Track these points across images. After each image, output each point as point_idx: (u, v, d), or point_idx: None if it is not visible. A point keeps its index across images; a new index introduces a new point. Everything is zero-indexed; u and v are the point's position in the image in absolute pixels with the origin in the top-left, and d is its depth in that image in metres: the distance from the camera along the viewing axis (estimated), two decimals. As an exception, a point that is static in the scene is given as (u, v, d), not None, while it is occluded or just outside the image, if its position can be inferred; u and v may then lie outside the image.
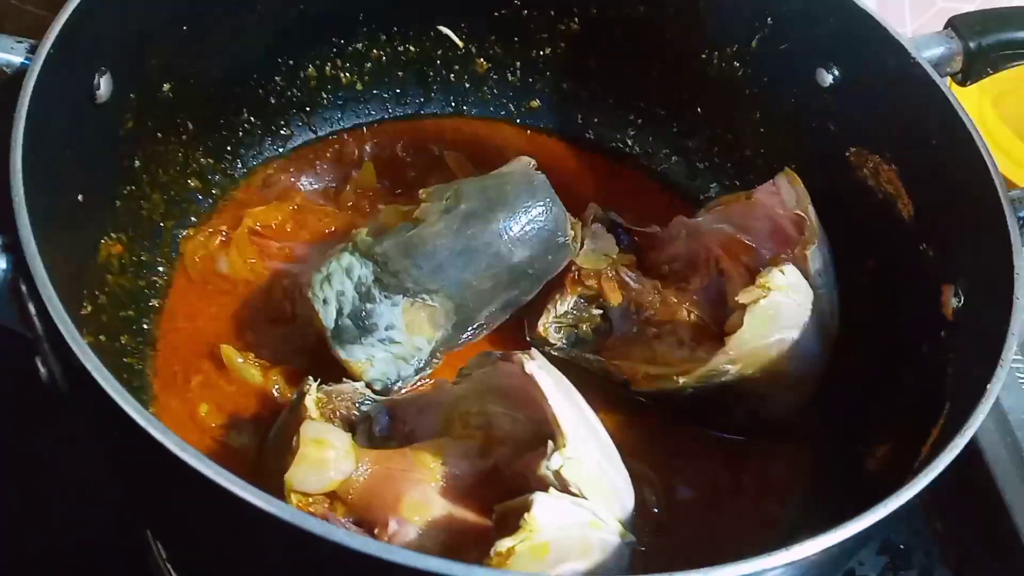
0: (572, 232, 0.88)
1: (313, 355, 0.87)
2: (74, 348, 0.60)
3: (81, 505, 0.91)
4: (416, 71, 1.09)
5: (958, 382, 0.77)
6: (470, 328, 0.87)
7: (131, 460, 0.70)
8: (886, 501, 0.62)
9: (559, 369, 0.75)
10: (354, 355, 0.83)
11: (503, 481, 0.74)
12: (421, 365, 0.86)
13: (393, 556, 0.53)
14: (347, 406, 0.80)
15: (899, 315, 0.89)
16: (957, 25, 0.94)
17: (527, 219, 0.84)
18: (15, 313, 0.67)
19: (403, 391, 0.86)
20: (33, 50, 0.74)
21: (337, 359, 0.83)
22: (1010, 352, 0.71)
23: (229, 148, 1.01)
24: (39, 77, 0.72)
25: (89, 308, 0.80)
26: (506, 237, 0.83)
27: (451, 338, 0.86)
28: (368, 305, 0.82)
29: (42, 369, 0.69)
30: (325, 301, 0.83)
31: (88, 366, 0.60)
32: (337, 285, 0.83)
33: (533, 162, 0.88)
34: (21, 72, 0.74)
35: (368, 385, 0.83)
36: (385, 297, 0.82)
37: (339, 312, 0.83)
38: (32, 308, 0.65)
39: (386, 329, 0.83)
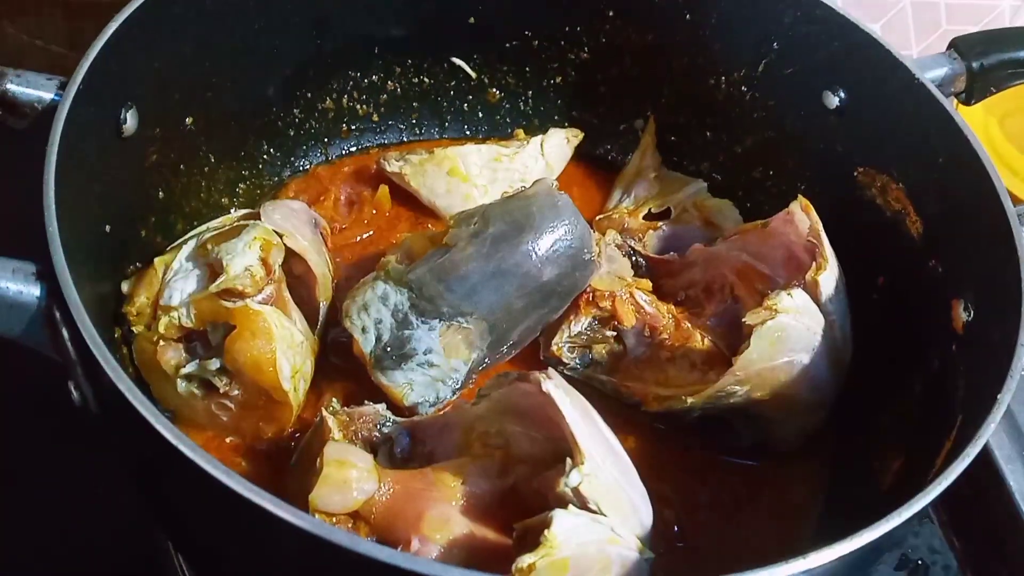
0: (597, 248, 0.89)
1: (344, 375, 0.89)
2: (108, 371, 0.62)
3: (103, 521, 0.92)
4: (430, 102, 1.12)
5: (970, 394, 0.78)
6: (504, 347, 0.88)
7: (160, 478, 0.71)
8: (899, 510, 0.63)
9: (574, 388, 0.76)
10: (395, 380, 0.85)
11: (522, 499, 0.76)
12: (458, 386, 0.87)
13: (417, 567, 0.55)
14: (368, 428, 0.81)
15: (910, 330, 0.90)
16: (959, 46, 0.95)
17: (554, 238, 0.85)
18: (48, 338, 0.69)
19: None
20: (63, 86, 0.77)
21: (378, 385, 0.85)
22: (1019, 363, 0.72)
23: (250, 178, 1.04)
24: (69, 112, 0.74)
25: (118, 333, 0.81)
26: (535, 257, 0.84)
27: (486, 358, 0.88)
28: (406, 331, 0.84)
29: (74, 393, 0.71)
30: (364, 329, 0.84)
31: (122, 387, 0.61)
32: (374, 313, 0.84)
33: (555, 182, 0.89)
34: (51, 107, 0.77)
35: (410, 408, 0.85)
36: (422, 322, 0.84)
37: (378, 339, 0.84)
38: (66, 333, 0.67)
39: (424, 353, 0.84)
